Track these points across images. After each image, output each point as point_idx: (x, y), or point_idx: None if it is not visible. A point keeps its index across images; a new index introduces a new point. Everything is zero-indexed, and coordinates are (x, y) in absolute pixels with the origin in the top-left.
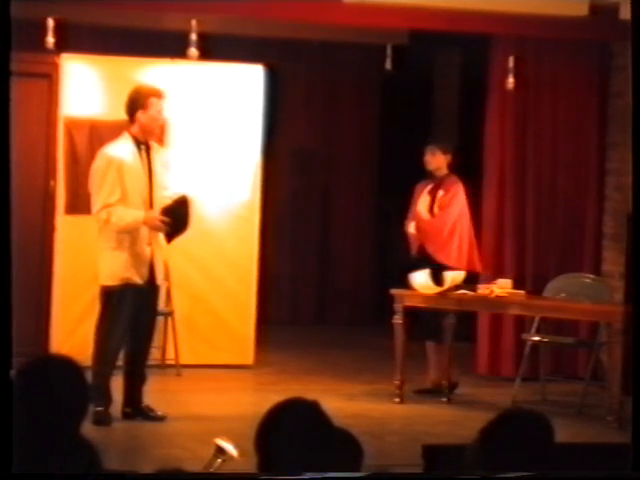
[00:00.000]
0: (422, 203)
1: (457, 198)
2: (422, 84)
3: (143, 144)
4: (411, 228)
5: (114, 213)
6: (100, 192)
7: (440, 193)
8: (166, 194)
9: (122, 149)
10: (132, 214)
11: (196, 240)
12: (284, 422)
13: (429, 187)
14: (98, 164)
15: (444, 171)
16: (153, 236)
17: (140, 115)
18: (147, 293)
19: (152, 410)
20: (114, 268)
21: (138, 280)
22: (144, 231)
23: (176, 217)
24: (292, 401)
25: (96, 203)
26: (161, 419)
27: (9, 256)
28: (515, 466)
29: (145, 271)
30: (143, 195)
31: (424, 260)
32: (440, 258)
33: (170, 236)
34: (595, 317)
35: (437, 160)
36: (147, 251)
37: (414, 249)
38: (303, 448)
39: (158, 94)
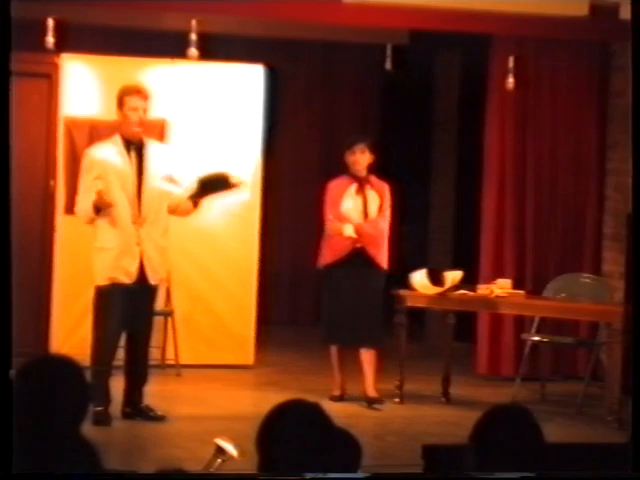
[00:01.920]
0: (352, 204)
1: (389, 199)
2: (422, 84)
3: (133, 143)
4: (349, 230)
5: (77, 207)
6: (78, 193)
7: (372, 194)
8: (167, 190)
9: (107, 150)
10: (85, 202)
11: (196, 240)
12: (285, 423)
13: (353, 187)
14: (82, 165)
15: (365, 171)
16: (143, 235)
17: (118, 113)
18: (139, 292)
19: (152, 410)
20: (102, 267)
21: (125, 280)
22: (132, 230)
23: (209, 181)
24: (293, 402)
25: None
26: (161, 419)
27: (9, 256)
28: (508, 460)
29: (133, 270)
30: (129, 194)
31: (362, 261)
32: (379, 261)
33: (198, 195)
34: (595, 317)
35: (366, 159)
36: (136, 250)
37: (343, 251)
38: (304, 448)
39: (134, 91)
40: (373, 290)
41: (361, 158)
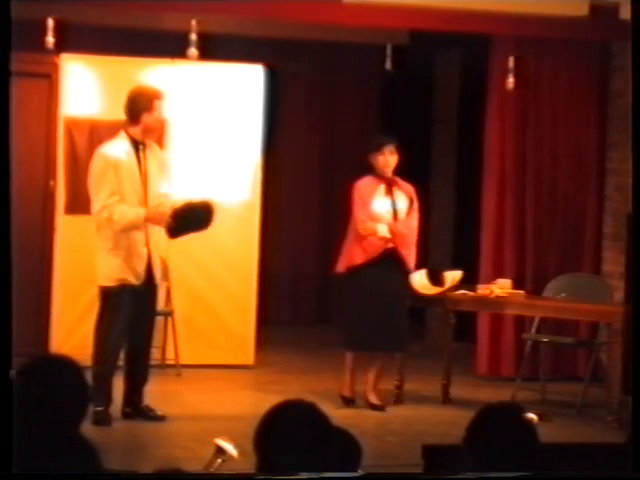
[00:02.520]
0: (382, 205)
1: (417, 200)
2: (422, 84)
3: (141, 144)
4: (384, 230)
5: (116, 211)
6: (100, 192)
7: (400, 195)
8: (162, 193)
9: (118, 148)
10: (134, 211)
11: (196, 240)
12: (282, 423)
13: (382, 188)
14: (96, 164)
15: (391, 172)
16: (150, 237)
17: (145, 117)
18: (145, 293)
19: (152, 410)
20: (110, 269)
21: (134, 281)
22: (141, 232)
23: (187, 217)
24: (290, 402)
25: (96, 203)
26: (161, 419)
27: (9, 256)
28: (502, 458)
29: (142, 271)
30: (138, 194)
31: (392, 262)
32: (409, 262)
33: (174, 233)
34: (595, 317)
35: (394, 160)
36: (144, 252)
37: (376, 252)
38: (301, 449)
39: (161, 96)
40: (401, 293)
41: (390, 159)
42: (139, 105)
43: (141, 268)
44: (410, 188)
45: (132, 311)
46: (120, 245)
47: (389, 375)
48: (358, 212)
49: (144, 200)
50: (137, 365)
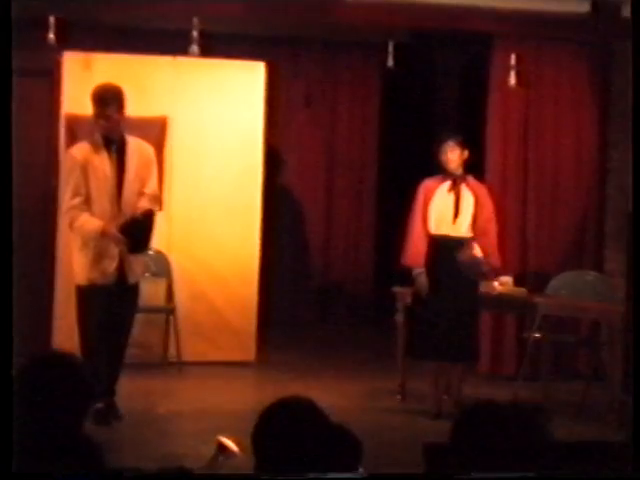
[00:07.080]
0: (442, 202)
1: (489, 199)
2: (423, 83)
3: (114, 141)
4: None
5: (77, 218)
6: (65, 193)
7: (466, 193)
8: (147, 191)
9: (88, 148)
10: (92, 223)
11: (198, 237)
12: (280, 421)
13: (446, 185)
14: (63, 164)
15: (460, 169)
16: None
17: (94, 111)
18: (119, 293)
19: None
20: (80, 268)
21: (103, 281)
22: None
23: (136, 233)
24: (287, 400)
25: (63, 204)
26: (120, 419)
27: (10, 256)
28: (487, 459)
29: (111, 272)
30: (110, 195)
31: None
32: (491, 260)
33: (132, 250)
34: (597, 315)
35: (457, 156)
36: (114, 252)
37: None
38: (300, 446)
39: (100, 89)
40: (464, 299)
41: (452, 156)
42: (92, 103)
43: (111, 268)
44: (479, 188)
45: (106, 311)
46: (88, 245)
47: (390, 373)
48: (416, 211)
49: (117, 200)
50: (109, 363)
